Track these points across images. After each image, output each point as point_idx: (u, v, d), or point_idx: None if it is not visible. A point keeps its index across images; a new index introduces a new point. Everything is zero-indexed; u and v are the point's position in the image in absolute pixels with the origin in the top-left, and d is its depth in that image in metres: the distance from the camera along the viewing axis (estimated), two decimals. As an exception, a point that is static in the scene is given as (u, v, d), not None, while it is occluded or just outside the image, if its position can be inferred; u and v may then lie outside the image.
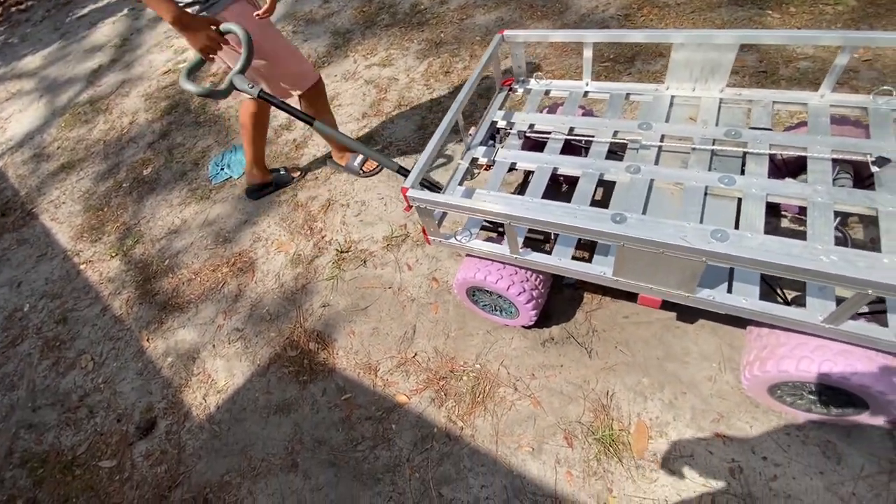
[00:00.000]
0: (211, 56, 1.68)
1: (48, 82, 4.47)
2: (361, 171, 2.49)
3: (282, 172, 2.60)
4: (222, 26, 1.66)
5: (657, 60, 2.45)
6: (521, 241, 1.41)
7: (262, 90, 1.63)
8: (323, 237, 2.29)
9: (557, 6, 3.07)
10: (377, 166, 2.50)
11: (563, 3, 3.08)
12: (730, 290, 1.20)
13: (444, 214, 1.60)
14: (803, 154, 1.34)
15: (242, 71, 1.62)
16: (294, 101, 2.12)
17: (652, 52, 2.52)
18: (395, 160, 1.88)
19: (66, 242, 2.82)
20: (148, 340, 2.19)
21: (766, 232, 1.22)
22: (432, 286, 1.96)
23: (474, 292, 1.66)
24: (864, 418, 1.21)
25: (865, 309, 1.09)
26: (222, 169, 2.84)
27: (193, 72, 1.63)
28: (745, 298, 1.15)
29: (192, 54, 1.74)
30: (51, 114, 4.03)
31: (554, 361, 1.64)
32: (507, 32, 1.74)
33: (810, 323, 1.08)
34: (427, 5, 3.54)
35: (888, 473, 1.23)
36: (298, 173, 2.62)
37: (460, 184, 1.63)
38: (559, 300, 1.76)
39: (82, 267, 2.63)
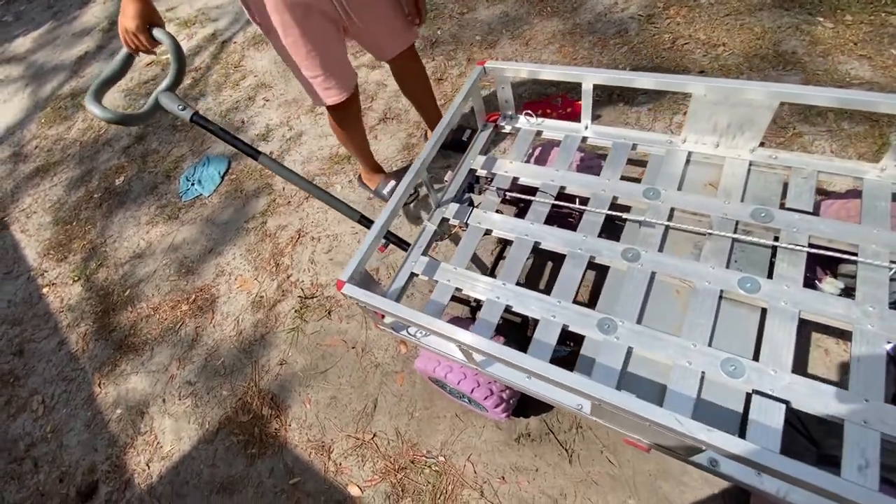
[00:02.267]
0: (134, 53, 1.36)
1: (35, 69, 4.27)
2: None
3: (389, 184, 2.22)
4: (155, 31, 1.31)
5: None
6: (490, 331, 1.16)
7: (195, 113, 1.34)
8: (288, 277, 2.07)
9: (570, 2, 2.67)
10: (413, 195, 2.15)
11: (576, -2, 2.68)
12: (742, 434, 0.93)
13: (403, 291, 1.35)
14: (853, 257, 1.03)
15: (171, 88, 1.33)
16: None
17: (676, 65, 2.15)
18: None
19: (32, 259, 2.67)
20: (100, 385, 2.04)
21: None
22: (400, 350, 1.73)
23: (437, 380, 1.42)
24: None
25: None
26: (193, 185, 2.62)
27: (109, 85, 1.32)
28: (761, 479, 0.88)
29: (110, 62, 1.46)
30: (34, 106, 3.85)
31: (528, 464, 1.41)
32: (488, 64, 1.43)
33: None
34: (426, -5, 3.16)
35: None
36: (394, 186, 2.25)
37: (425, 252, 1.36)
38: (540, 384, 1.51)
39: (45, 290, 2.48)
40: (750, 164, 1.24)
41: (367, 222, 1.42)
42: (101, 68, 3.86)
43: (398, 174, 2.21)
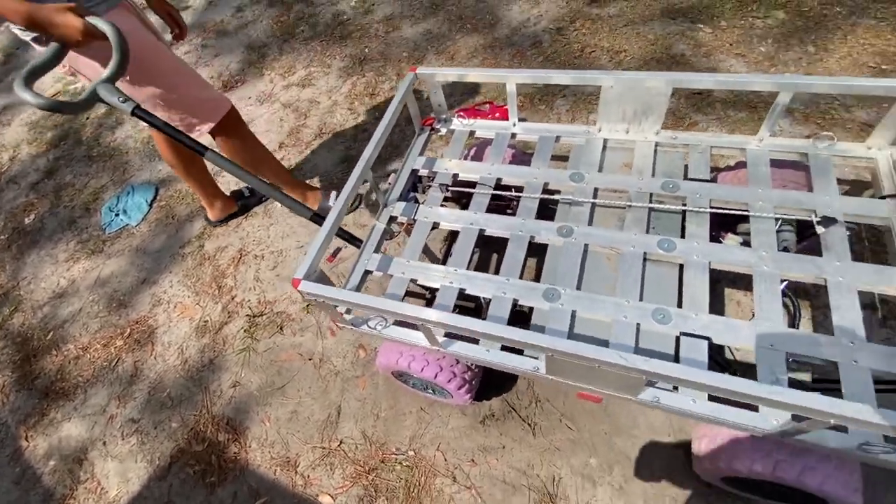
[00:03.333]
0: (75, 46, 1.29)
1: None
2: (260, 198, 2.27)
3: (247, 194, 2.31)
4: (90, 19, 1.27)
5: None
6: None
7: (137, 106, 1.31)
8: (233, 298, 2.01)
9: (488, 18, 2.87)
10: (356, 201, 2.15)
11: (493, 15, 2.88)
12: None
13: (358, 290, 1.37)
14: (745, 212, 1.22)
15: (112, 80, 1.29)
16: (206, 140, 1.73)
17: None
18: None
19: (-73, 313, 2.36)
20: (27, 438, 1.84)
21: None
22: (359, 355, 1.74)
23: (401, 373, 1.45)
24: None
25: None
26: (117, 215, 2.47)
27: (39, 74, 1.25)
28: (694, 400, 1.01)
29: (41, 49, 1.39)
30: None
31: (495, 443, 1.47)
32: (420, 70, 1.52)
33: (765, 430, 0.95)
34: (350, 15, 3.25)
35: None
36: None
37: (377, 249, 1.41)
38: (498, 367, 1.58)
39: (-54, 345, 2.20)
40: (656, 145, 1.42)
41: (318, 219, 1.43)
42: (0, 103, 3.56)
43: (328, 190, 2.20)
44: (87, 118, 3.12)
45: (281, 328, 1.87)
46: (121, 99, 1.28)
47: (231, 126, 1.80)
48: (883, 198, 1.17)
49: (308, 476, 1.53)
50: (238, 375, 1.80)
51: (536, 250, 1.32)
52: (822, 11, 2.30)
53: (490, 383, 1.55)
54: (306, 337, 1.83)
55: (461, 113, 1.66)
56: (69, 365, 2.00)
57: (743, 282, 1.58)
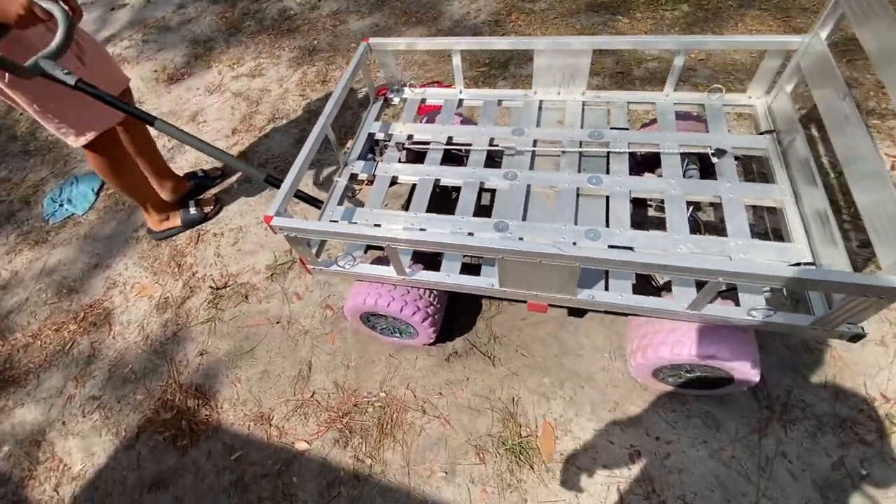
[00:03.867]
0: (22, 26, 1.29)
1: None
2: (205, 215, 2.16)
3: (192, 211, 2.14)
4: (42, 3, 1.28)
5: (529, 64, 2.54)
6: (408, 259, 1.35)
7: (80, 80, 1.35)
8: (194, 274, 2.02)
9: (431, 12, 3.06)
10: (216, 205, 2.20)
11: (436, 9, 3.08)
12: (607, 287, 1.24)
13: (324, 240, 1.47)
14: (657, 150, 1.44)
15: (55, 56, 1.32)
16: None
17: (523, 57, 2.60)
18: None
19: None
20: (-28, 429, 1.75)
21: (636, 224, 1.28)
22: (326, 314, 1.81)
23: (369, 317, 1.55)
24: (733, 388, 1.32)
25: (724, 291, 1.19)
26: (61, 205, 2.39)
27: None
28: (621, 294, 1.20)
29: None
30: None
31: (459, 376, 1.60)
32: (372, 40, 1.66)
33: (677, 311, 1.15)
34: (297, 11, 3.34)
35: (757, 432, 1.36)
36: (212, 207, 2.18)
37: (340, 203, 1.52)
38: (460, 311, 1.72)
39: None
40: (583, 104, 1.63)
41: (274, 180, 1.51)
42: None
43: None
44: (21, 114, 2.99)
45: (246, 297, 1.91)
46: (65, 71, 1.34)
47: (105, 145, 1.73)
48: (761, 133, 1.44)
49: (283, 427, 1.59)
50: (205, 344, 1.82)
51: (485, 209, 1.48)
52: (717, 4, 2.67)
53: (452, 325, 1.68)
54: (272, 303, 1.88)
55: (412, 83, 1.82)
56: (18, 353, 1.92)
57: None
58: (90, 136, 1.66)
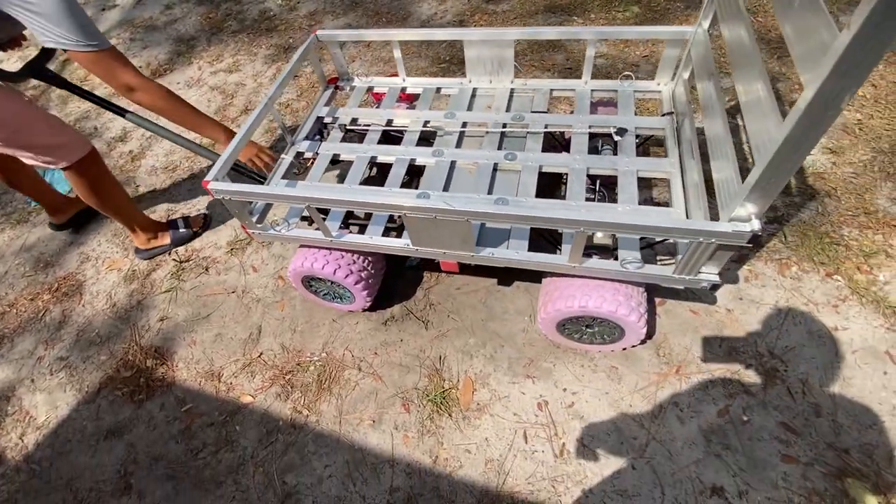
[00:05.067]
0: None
1: None
2: (195, 233, 2.17)
3: (181, 230, 2.14)
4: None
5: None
6: (336, 224, 1.49)
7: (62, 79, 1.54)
8: (162, 249, 2.17)
9: (401, 13, 3.24)
10: (205, 221, 2.22)
11: (406, 10, 3.25)
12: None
13: (267, 208, 1.62)
14: (567, 129, 1.59)
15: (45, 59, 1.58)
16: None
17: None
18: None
19: None
20: (-52, 387, 1.89)
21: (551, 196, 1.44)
22: (279, 284, 1.96)
23: (310, 282, 1.70)
24: (625, 341, 1.46)
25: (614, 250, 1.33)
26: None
27: None
28: (517, 252, 1.34)
29: None
30: None
31: (395, 338, 1.74)
32: (320, 32, 1.82)
33: (562, 264, 1.29)
34: (276, 12, 3.52)
35: (655, 384, 1.50)
36: (200, 225, 2.19)
37: (284, 177, 1.67)
38: (401, 283, 1.86)
39: None
40: (511, 91, 1.78)
41: (237, 167, 1.67)
42: None
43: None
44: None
45: (206, 269, 2.06)
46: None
47: (85, 168, 1.75)
48: (663, 115, 1.59)
49: (231, 383, 1.73)
50: (165, 311, 1.96)
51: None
52: (666, 6, 2.83)
53: (393, 294, 1.82)
54: (230, 275, 2.03)
55: (359, 74, 1.98)
56: (-6, 320, 2.07)
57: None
58: (72, 159, 1.69)
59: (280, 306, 1.90)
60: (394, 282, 1.84)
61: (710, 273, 1.21)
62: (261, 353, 1.79)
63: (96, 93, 1.78)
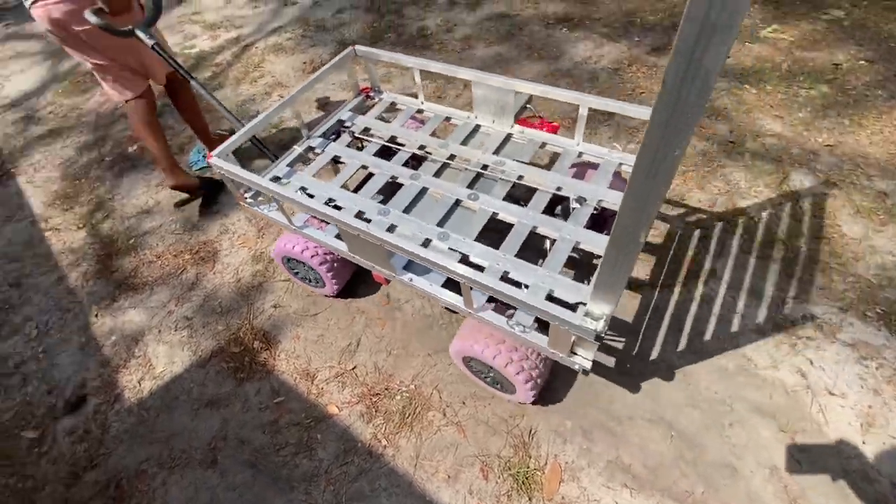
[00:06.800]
0: (118, 15, 1.94)
1: (55, 47, 4.50)
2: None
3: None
4: None
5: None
6: (304, 217, 1.71)
7: (157, 43, 1.88)
8: (289, 239, 2.32)
9: (554, 51, 3.19)
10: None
11: (559, 49, 3.20)
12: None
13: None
14: (537, 187, 1.55)
15: (147, 25, 1.89)
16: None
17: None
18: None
19: (37, 207, 2.81)
20: (97, 316, 2.18)
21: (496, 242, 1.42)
22: (383, 303, 1.99)
23: (288, 261, 1.91)
24: (518, 397, 1.52)
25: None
26: (203, 156, 2.87)
27: (99, 13, 1.84)
28: (431, 284, 1.44)
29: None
30: (51, 78, 4.05)
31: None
32: (358, 47, 1.94)
33: (459, 306, 1.38)
34: (433, 30, 3.66)
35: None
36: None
37: (290, 165, 1.80)
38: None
39: (48, 234, 2.62)
40: (509, 135, 1.78)
41: (255, 142, 1.89)
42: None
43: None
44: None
45: (323, 269, 2.16)
46: (149, 37, 1.87)
47: (139, 107, 2.26)
48: None
49: (322, 388, 1.77)
50: (280, 299, 2.08)
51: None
52: (864, 91, 2.47)
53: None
54: (343, 280, 2.10)
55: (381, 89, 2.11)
56: (143, 267, 2.35)
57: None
58: (129, 95, 2.21)
59: (381, 324, 1.92)
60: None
61: (584, 356, 1.24)
62: (355, 367, 1.82)
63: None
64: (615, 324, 1.77)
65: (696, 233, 2.03)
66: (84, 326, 2.15)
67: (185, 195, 2.61)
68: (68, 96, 3.75)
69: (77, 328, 2.15)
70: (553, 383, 1.64)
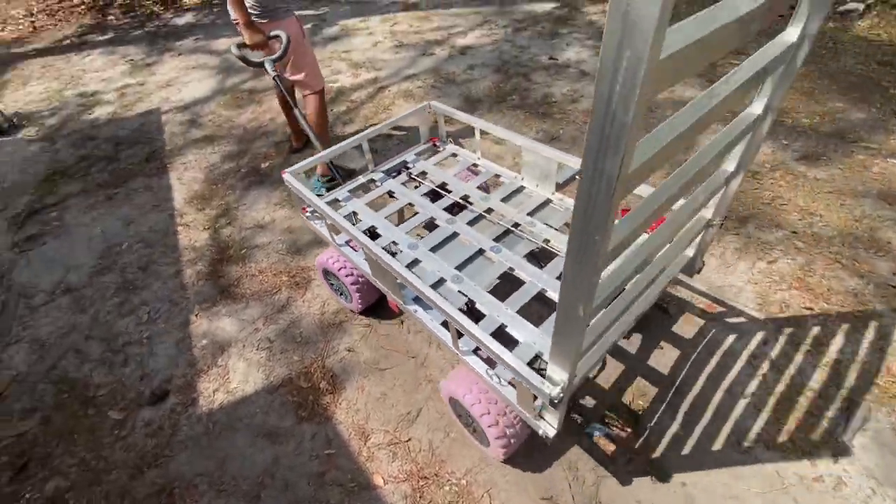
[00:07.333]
0: (256, 49, 2.42)
1: (227, 64, 5.25)
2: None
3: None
4: (272, 32, 2.41)
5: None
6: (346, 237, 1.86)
7: (277, 75, 2.42)
8: (377, 283, 2.37)
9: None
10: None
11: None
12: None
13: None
14: (558, 253, 1.64)
15: (275, 60, 2.37)
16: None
17: (770, 219, 2.34)
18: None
19: (178, 202, 3.21)
20: (197, 315, 2.38)
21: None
22: (454, 375, 1.92)
23: (326, 273, 2.12)
24: (491, 451, 1.53)
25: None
26: (321, 185, 3.08)
27: (241, 47, 2.33)
28: (432, 319, 1.59)
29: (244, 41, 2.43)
30: (218, 90, 4.71)
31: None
32: (433, 103, 2.22)
33: (448, 344, 1.48)
34: (558, 99, 3.66)
35: None
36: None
37: (351, 191, 2.06)
38: (573, 453, 1.62)
39: (180, 228, 2.96)
40: (548, 200, 1.90)
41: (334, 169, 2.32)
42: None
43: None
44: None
45: (402, 322, 2.15)
46: (273, 69, 2.39)
47: (321, 97, 2.87)
48: None
49: (373, 452, 1.73)
50: (354, 344, 2.11)
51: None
52: None
53: (558, 456, 1.59)
54: (418, 338, 2.08)
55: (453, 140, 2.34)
56: (246, 279, 2.54)
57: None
58: (321, 85, 2.85)
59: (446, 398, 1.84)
60: (562, 446, 1.61)
61: (550, 422, 1.24)
62: (409, 439, 1.75)
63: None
64: (622, 410, 1.64)
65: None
66: (185, 323, 2.35)
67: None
68: (227, 108, 4.31)
69: (179, 323, 2.36)
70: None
